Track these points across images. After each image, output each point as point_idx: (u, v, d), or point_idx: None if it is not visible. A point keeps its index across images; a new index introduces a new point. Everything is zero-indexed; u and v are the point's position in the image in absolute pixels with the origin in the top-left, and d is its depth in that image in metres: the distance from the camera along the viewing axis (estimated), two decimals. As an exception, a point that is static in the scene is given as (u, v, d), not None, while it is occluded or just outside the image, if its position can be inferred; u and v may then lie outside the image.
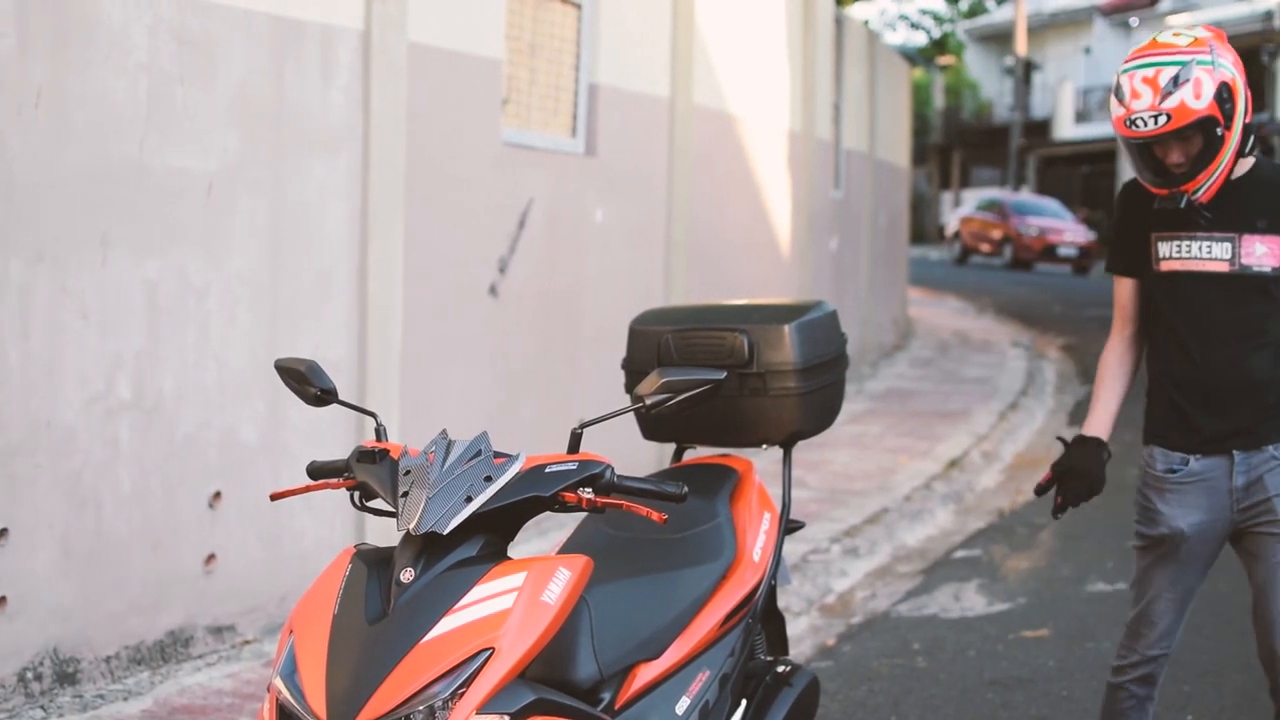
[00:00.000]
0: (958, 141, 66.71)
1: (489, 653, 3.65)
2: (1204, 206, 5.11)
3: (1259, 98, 49.04)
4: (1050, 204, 49.46)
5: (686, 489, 4.14)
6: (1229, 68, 5.00)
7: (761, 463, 6.34)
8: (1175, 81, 4.94)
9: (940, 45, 72.38)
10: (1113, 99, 5.12)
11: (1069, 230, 46.57)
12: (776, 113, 15.49)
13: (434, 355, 9.10)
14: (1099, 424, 5.69)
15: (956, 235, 50.22)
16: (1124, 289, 5.53)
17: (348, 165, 8.23)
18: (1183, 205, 5.09)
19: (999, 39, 66.26)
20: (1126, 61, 5.12)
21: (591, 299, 11.02)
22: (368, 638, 3.69)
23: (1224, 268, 5.16)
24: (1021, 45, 56.94)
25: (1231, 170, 5.10)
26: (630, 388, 5.35)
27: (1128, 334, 5.62)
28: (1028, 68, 59.53)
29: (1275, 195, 5.14)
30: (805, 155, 16.49)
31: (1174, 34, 5.13)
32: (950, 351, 23.08)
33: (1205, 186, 5.06)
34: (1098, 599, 9.29)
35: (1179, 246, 5.22)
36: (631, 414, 4.46)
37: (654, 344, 5.35)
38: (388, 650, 3.65)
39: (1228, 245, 5.15)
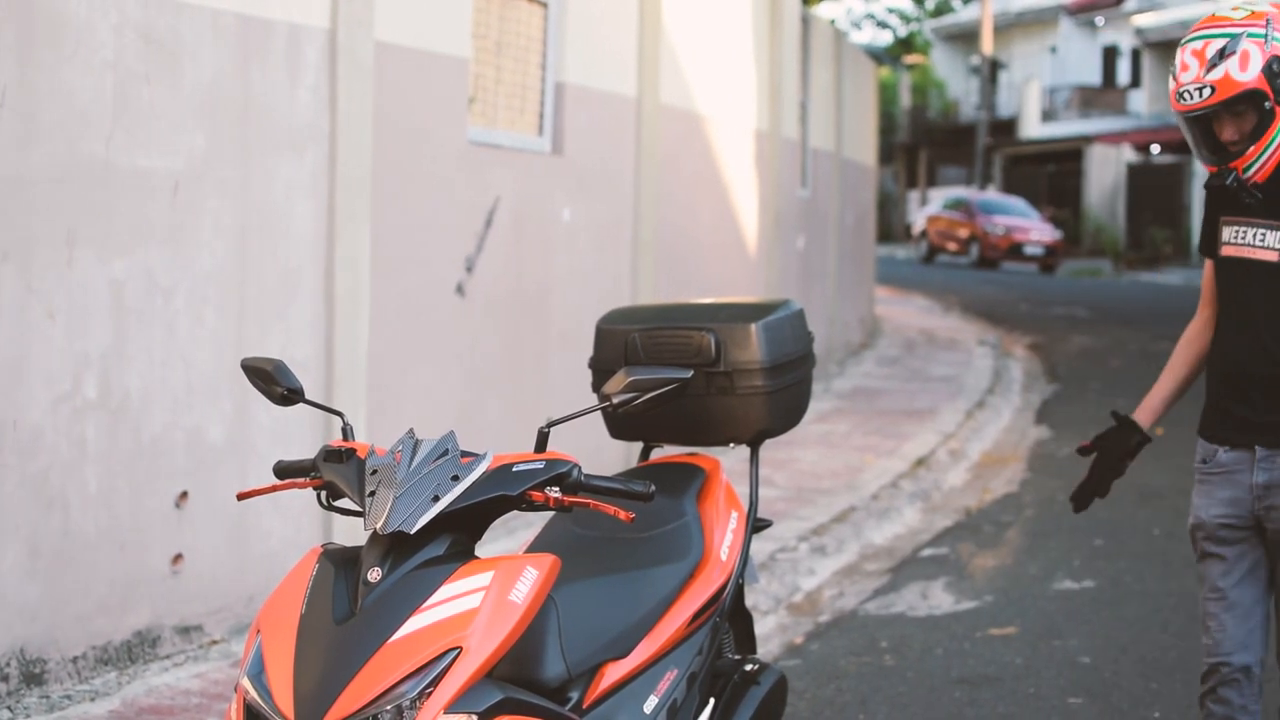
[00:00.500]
0: (924, 140, 66.80)
1: (456, 652, 3.65)
2: (1257, 187, 4.98)
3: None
4: (1016, 203, 49.62)
5: (654, 488, 4.15)
6: None
7: (729, 461, 6.35)
8: (1222, 54, 4.85)
9: (907, 44, 72.60)
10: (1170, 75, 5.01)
11: (1035, 229, 46.72)
12: (743, 112, 15.50)
13: (401, 354, 9.10)
14: (1145, 408, 5.47)
15: (923, 234, 50.37)
16: (1207, 270, 5.35)
17: (314, 164, 8.22)
18: (1229, 183, 4.98)
19: (965, 38, 66.39)
20: (1186, 36, 5.02)
21: (558, 298, 11.02)
22: (335, 637, 3.68)
23: (1274, 257, 5.02)
24: (988, 44, 57.04)
25: None
26: (597, 387, 5.34)
27: (1205, 315, 5.37)
28: (994, 67, 59.65)
29: None
30: (772, 154, 16.51)
31: (1234, 7, 4.99)
32: (917, 350, 23.12)
33: (1256, 164, 4.94)
34: (1065, 597, 9.31)
35: (1238, 232, 5.11)
36: (599, 413, 4.46)
37: (621, 343, 5.35)
38: (355, 650, 3.65)
39: (1274, 233, 5.02)
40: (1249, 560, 5.19)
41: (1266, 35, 4.84)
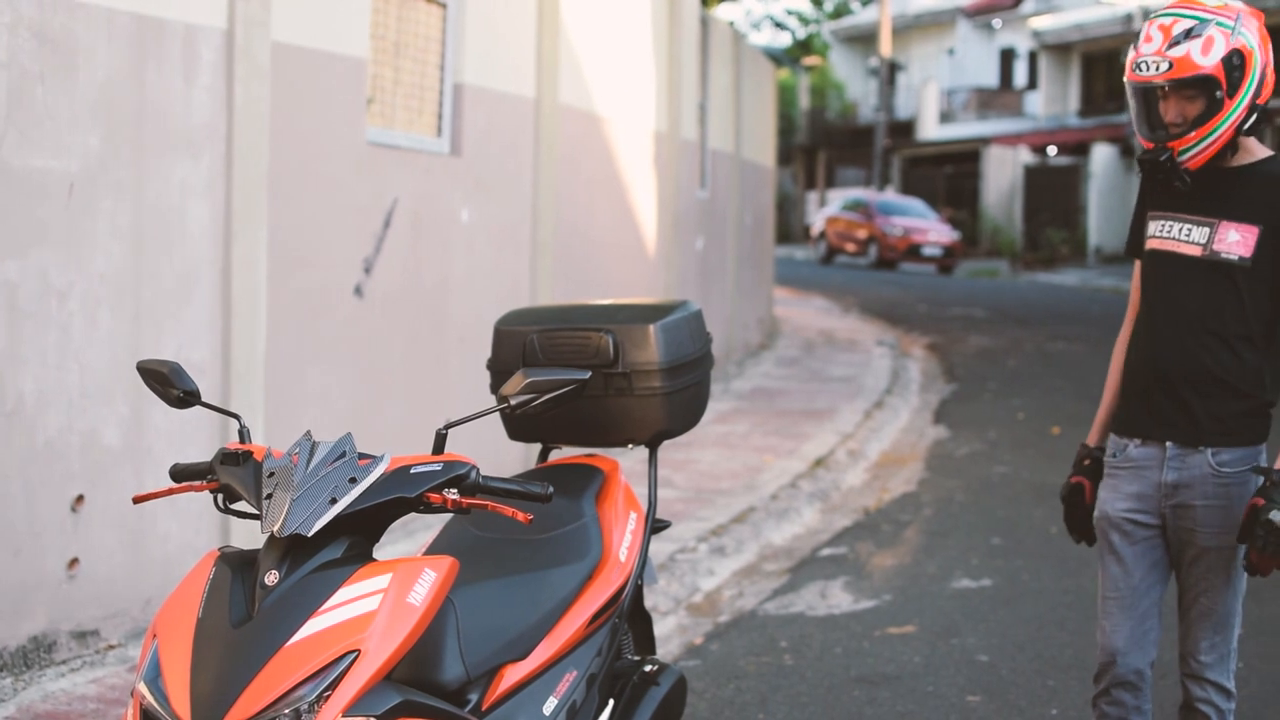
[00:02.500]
0: (823, 142, 67.05)
1: (355, 655, 3.65)
2: (1188, 174, 5.04)
3: (1119, 99, 49.63)
4: (915, 204, 49.86)
5: (552, 489, 4.15)
6: (1250, 39, 4.94)
7: (627, 462, 6.36)
8: (1188, 34, 4.91)
9: (805, 46, 72.80)
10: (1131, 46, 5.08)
11: (933, 230, 46.98)
12: (642, 113, 15.52)
13: (298, 356, 9.06)
14: (1097, 428, 5.54)
15: (822, 235, 50.53)
16: (1136, 273, 5.42)
17: (210, 165, 8.17)
18: (1163, 159, 5.02)
19: (864, 40, 66.73)
20: (1158, 11, 5.08)
21: (457, 299, 11.00)
22: (232, 641, 3.67)
23: (1197, 252, 5.08)
24: (886, 46, 57.29)
25: (1229, 146, 5.03)
26: (496, 388, 5.35)
27: (1133, 318, 5.43)
28: (892, 69, 59.97)
29: (1267, 190, 5.04)
30: (671, 155, 16.53)
31: None
32: (816, 350, 23.20)
33: (1193, 150, 4.99)
34: (963, 595, 9.37)
35: (1164, 226, 5.17)
36: (497, 414, 4.46)
37: (519, 344, 5.35)
38: (253, 654, 3.63)
39: (1206, 230, 5.07)
40: (1149, 560, 5.24)
41: (1234, 28, 4.91)
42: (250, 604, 3.76)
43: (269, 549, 3.83)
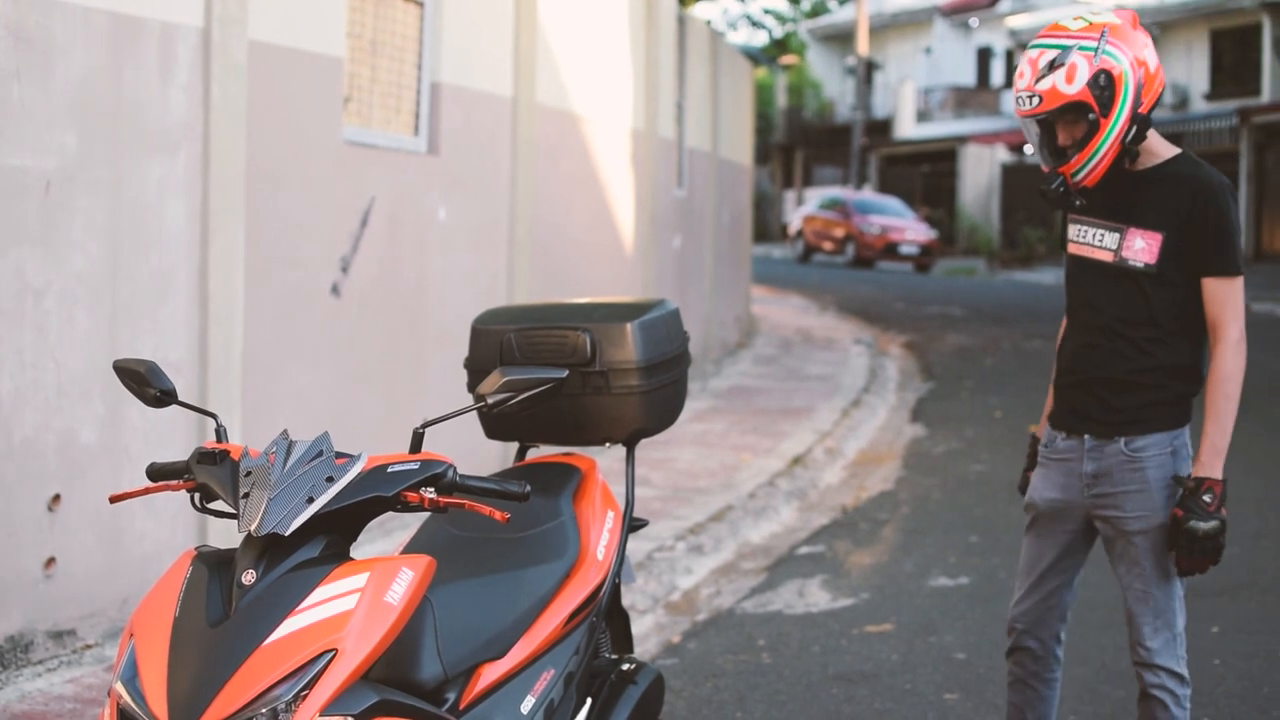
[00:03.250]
0: (800, 140, 67.12)
1: (332, 654, 3.65)
2: (1088, 192, 5.23)
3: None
4: (892, 203, 49.93)
5: (529, 488, 4.15)
6: (1117, 56, 5.09)
7: (605, 461, 6.37)
8: (1051, 65, 5.09)
9: (783, 45, 72.87)
10: None
11: (910, 229, 47.05)
12: (619, 112, 15.51)
13: (275, 355, 9.05)
14: (1041, 420, 5.85)
15: (799, 234, 50.58)
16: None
17: (187, 164, 8.16)
18: (1055, 186, 5.22)
19: (841, 39, 66.80)
20: (1030, 43, 5.26)
21: (435, 298, 10.99)
22: (209, 640, 3.66)
23: (1108, 258, 5.30)
24: (863, 45, 57.37)
25: (1121, 158, 5.19)
26: (473, 387, 5.34)
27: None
28: (869, 68, 60.03)
29: (1171, 194, 5.20)
30: (648, 154, 16.53)
31: (1075, 17, 5.23)
32: (793, 349, 23.22)
33: (1083, 170, 5.17)
34: (940, 593, 9.38)
35: (1080, 230, 5.40)
36: (475, 413, 4.47)
37: (496, 343, 5.35)
38: (230, 653, 3.63)
39: (1116, 236, 5.27)
40: (1063, 547, 5.56)
41: (1097, 49, 5.08)
42: (227, 603, 3.75)
43: (246, 548, 3.82)
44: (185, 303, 8.16)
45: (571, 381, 5.11)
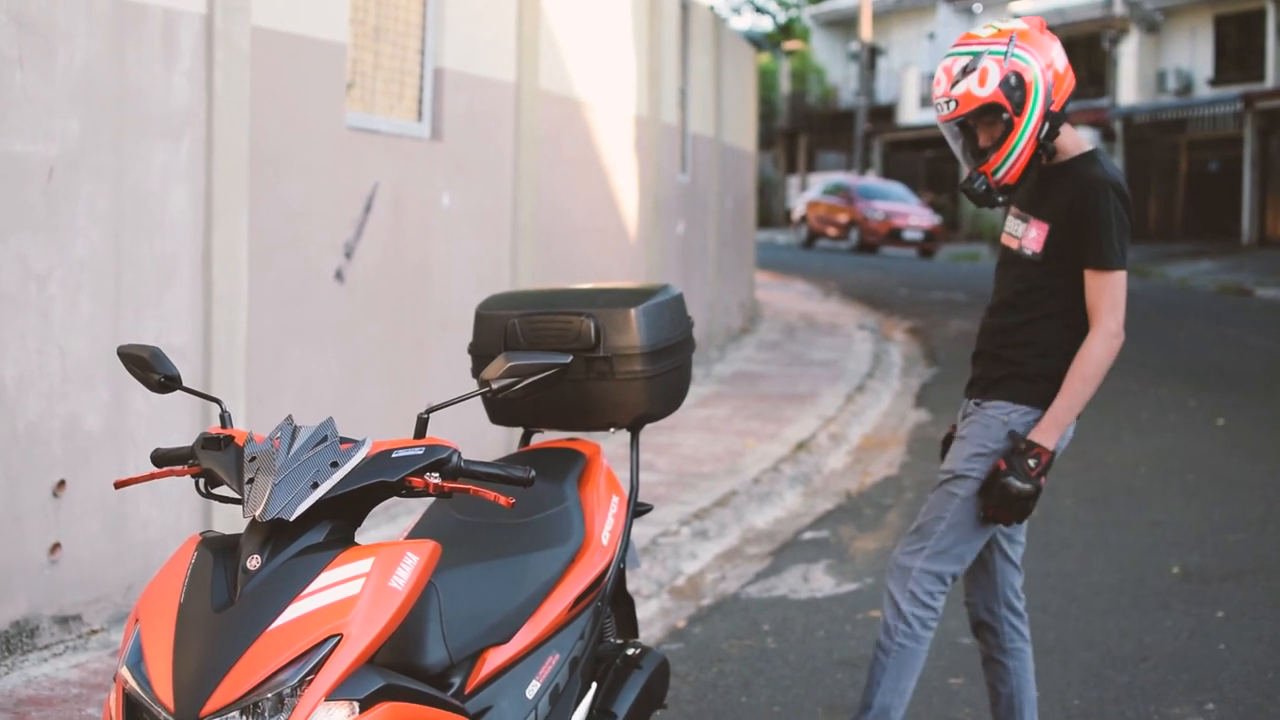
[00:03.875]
0: (804, 126, 67.06)
1: (337, 639, 3.65)
2: (1009, 188, 5.53)
3: (1099, 83, 49.72)
4: (896, 188, 49.89)
5: (534, 473, 4.15)
6: (1026, 58, 5.38)
7: (609, 446, 6.36)
8: (964, 71, 5.41)
9: (786, 30, 72.80)
10: None
11: (914, 214, 47.03)
12: (623, 97, 15.51)
13: (279, 341, 9.05)
14: None
15: (803, 219, 50.56)
16: None
17: (190, 150, 8.16)
18: (976, 185, 5.51)
19: (844, 24, 66.70)
20: (945, 53, 5.58)
21: (439, 283, 10.99)
22: (214, 626, 3.66)
23: (1015, 244, 5.65)
24: (867, 30, 57.33)
25: (1036, 155, 5.47)
26: (477, 372, 5.34)
27: None
28: (873, 53, 59.97)
29: (1065, 188, 5.51)
30: (651, 140, 16.52)
31: (986, 26, 5.56)
32: (797, 334, 23.22)
33: (1002, 168, 5.45)
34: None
35: (1009, 220, 5.73)
36: (479, 399, 4.47)
37: (500, 328, 5.35)
38: (235, 638, 3.63)
39: (1023, 225, 5.62)
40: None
41: (1006, 52, 5.39)
42: (232, 589, 3.75)
43: (251, 534, 3.82)
44: (189, 288, 8.16)
45: (576, 367, 5.10)
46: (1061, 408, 5.42)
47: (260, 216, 8.75)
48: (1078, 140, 5.60)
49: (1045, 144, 5.44)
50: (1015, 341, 5.60)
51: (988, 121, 5.44)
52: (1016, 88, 5.33)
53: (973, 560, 5.74)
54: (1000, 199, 5.58)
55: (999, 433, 5.55)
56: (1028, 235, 5.56)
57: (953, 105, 5.42)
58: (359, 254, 9.85)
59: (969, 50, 5.44)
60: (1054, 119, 5.42)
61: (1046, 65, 5.40)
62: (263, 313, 8.80)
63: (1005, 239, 5.69)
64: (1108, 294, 5.41)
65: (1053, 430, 5.43)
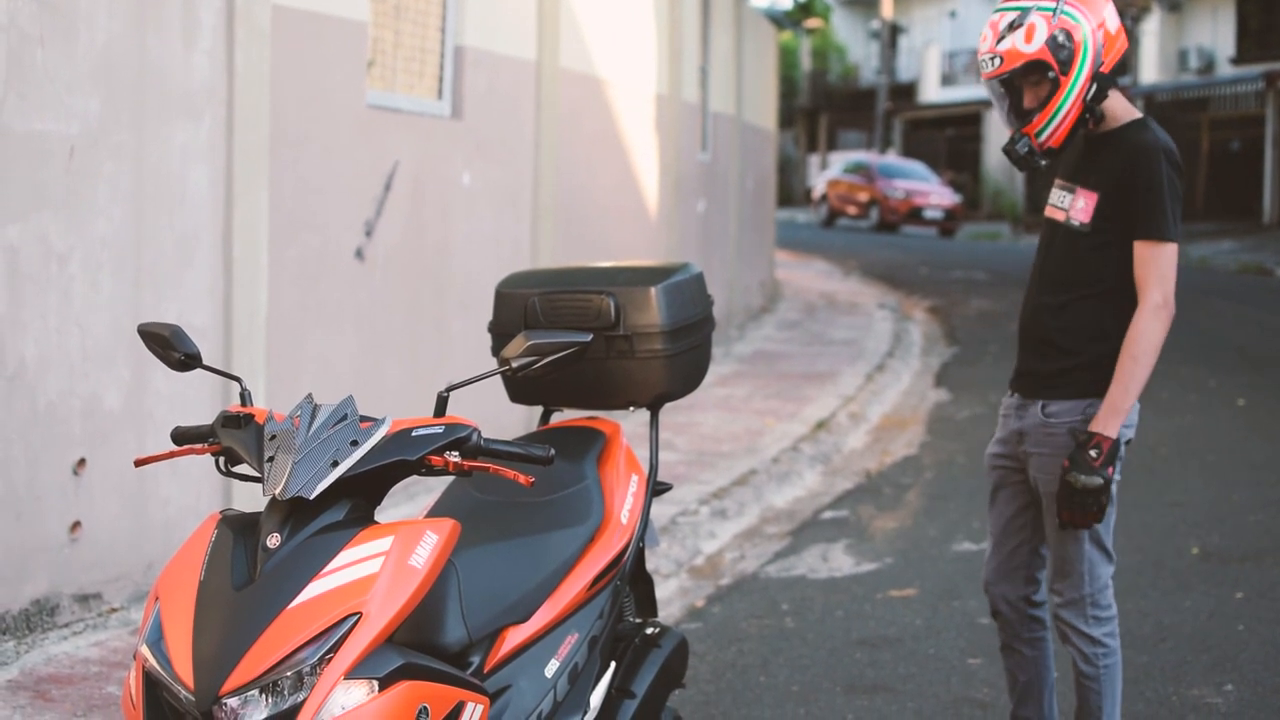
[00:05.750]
0: (824, 104, 66.98)
1: (356, 617, 3.65)
2: (1053, 152, 5.35)
3: (1121, 62, 49.61)
4: (916, 167, 49.81)
5: (553, 452, 4.15)
6: (1076, 16, 5.19)
7: (629, 425, 6.36)
8: (1011, 27, 5.22)
9: (807, 9, 72.56)
10: None
11: (935, 193, 46.95)
12: (643, 76, 15.49)
13: (299, 319, 9.05)
14: None
15: (823, 198, 50.49)
16: None
17: (211, 129, 8.16)
18: (1018, 147, 5.34)
19: (866, 2, 66.56)
20: (994, 9, 5.38)
21: (459, 262, 10.99)
22: (234, 604, 3.67)
23: (1062, 217, 5.46)
24: (888, 9, 57.22)
25: (1084, 119, 5.29)
26: (497, 351, 5.34)
27: None
28: (894, 31, 59.86)
29: (1114, 156, 5.32)
30: (672, 118, 16.50)
31: None
32: (817, 314, 23.20)
33: (1047, 129, 5.27)
34: (964, 558, 9.38)
35: (1053, 192, 5.53)
36: (498, 377, 4.47)
37: (520, 307, 5.34)
38: (254, 616, 3.63)
39: (1069, 196, 5.44)
40: (1018, 503, 5.68)
41: (1056, 9, 5.20)
42: (252, 567, 3.76)
43: (271, 512, 3.83)
44: (209, 267, 8.17)
45: (596, 345, 5.10)
46: (1117, 392, 5.21)
47: (280, 195, 8.75)
48: (1128, 107, 5.40)
49: (1092, 106, 5.25)
50: (1065, 325, 5.39)
51: (1033, 81, 5.24)
52: (1064, 45, 5.15)
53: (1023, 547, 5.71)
54: (1043, 162, 5.38)
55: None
56: (1075, 206, 5.37)
57: (997, 62, 5.23)
58: (379, 233, 9.85)
59: (1018, 6, 5.24)
60: (1103, 81, 5.23)
61: (1098, 25, 5.21)
62: (283, 291, 8.81)
63: (1050, 211, 5.50)
64: (1156, 266, 5.21)
65: (1112, 417, 5.22)
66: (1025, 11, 5.21)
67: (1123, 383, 5.22)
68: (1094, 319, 5.36)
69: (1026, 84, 5.28)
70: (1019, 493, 5.65)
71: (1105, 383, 5.31)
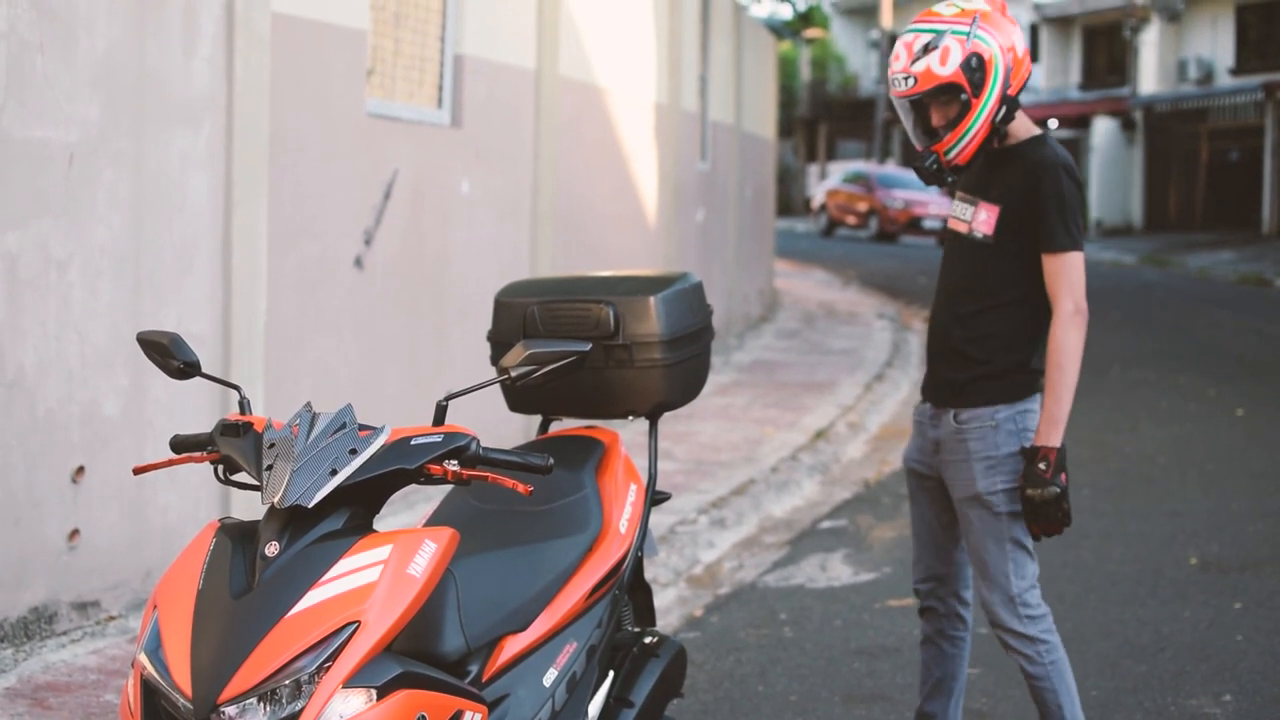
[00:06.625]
0: (824, 114, 66.97)
1: (355, 626, 3.65)
2: (959, 169, 5.49)
3: (1119, 72, 49.68)
4: (915, 177, 49.68)
5: (552, 461, 4.16)
6: (988, 40, 5.34)
7: (627, 434, 6.36)
8: (926, 49, 5.33)
9: (806, 18, 72.62)
10: None
11: (934, 203, 46.85)
12: (643, 85, 15.50)
13: (298, 328, 9.05)
14: None
15: (822, 207, 50.45)
16: None
17: (210, 136, 8.16)
18: (928, 165, 5.47)
19: (865, 12, 66.55)
20: (905, 29, 5.51)
21: (458, 271, 10.99)
22: (233, 612, 3.67)
23: (964, 228, 5.57)
24: (887, 18, 57.22)
25: (991, 138, 5.42)
26: (496, 360, 5.34)
27: None
28: (893, 41, 59.80)
29: (1016, 171, 5.45)
30: (671, 127, 16.51)
31: (948, 4, 5.48)
32: (816, 323, 23.20)
33: (955, 148, 5.40)
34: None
35: (955, 205, 5.66)
36: (497, 386, 4.47)
37: (519, 316, 5.35)
38: (253, 624, 3.64)
39: (971, 209, 5.56)
40: (938, 505, 5.79)
41: (969, 33, 5.34)
42: (251, 575, 3.76)
43: (269, 520, 3.83)
44: (208, 275, 8.17)
45: (594, 355, 5.11)
46: (1052, 402, 5.33)
47: (280, 203, 8.76)
48: (1027, 124, 5.54)
49: (999, 127, 5.40)
50: (974, 335, 5.50)
51: (944, 101, 5.38)
52: (977, 69, 5.29)
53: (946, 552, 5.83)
54: (950, 179, 5.55)
55: (994, 438, 5.47)
56: (977, 218, 5.49)
57: (911, 82, 5.34)
58: (378, 241, 9.85)
59: (931, 28, 5.38)
60: (1010, 103, 5.38)
61: (1007, 48, 5.36)
62: (282, 299, 8.81)
63: (953, 223, 5.62)
64: (1065, 276, 5.34)
65: (1053, 428, 5.33)
66: (940, 34, 5.34)
67: (1055, 393, 5.34)
68: (1001, 328, 5.48)
69: (936, 103, 5.41)
70: (936, 497, 5.77)
71: (1014, 390, 5.48)
